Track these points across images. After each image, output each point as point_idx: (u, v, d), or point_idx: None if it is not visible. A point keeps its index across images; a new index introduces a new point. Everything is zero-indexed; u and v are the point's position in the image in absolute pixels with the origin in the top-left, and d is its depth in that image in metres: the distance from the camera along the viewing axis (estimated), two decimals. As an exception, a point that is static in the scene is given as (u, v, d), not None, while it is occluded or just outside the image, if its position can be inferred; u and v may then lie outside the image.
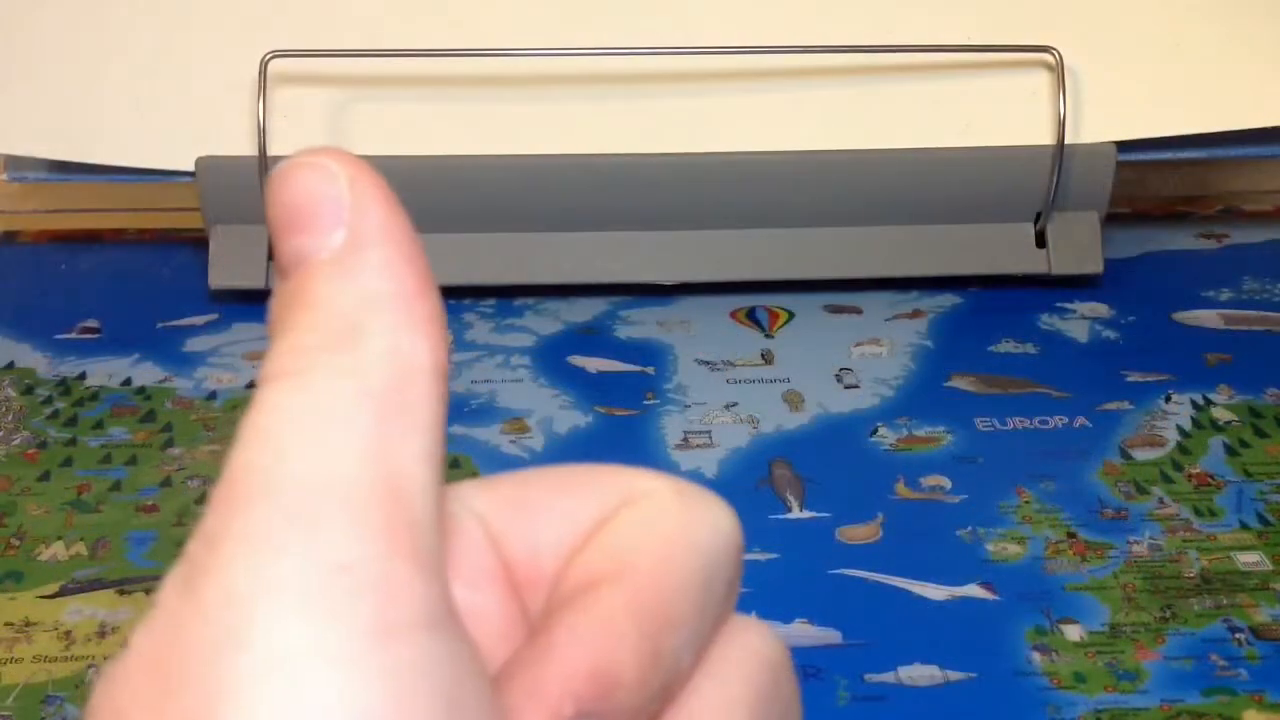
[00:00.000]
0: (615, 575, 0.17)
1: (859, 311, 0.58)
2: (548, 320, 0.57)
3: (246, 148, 0.55)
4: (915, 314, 0.58)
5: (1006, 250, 0.58)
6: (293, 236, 0.17)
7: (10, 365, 0.54)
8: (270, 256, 0.20)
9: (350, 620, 0.14)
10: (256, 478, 0.15)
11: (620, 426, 0.51)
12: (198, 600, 0.14)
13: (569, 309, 0.58)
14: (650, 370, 0.54)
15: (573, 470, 0.19)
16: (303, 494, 0.15)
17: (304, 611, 0.14)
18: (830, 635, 0.41)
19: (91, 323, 0.57)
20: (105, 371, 0.54)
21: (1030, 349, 0.55)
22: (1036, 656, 0.40)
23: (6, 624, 0.42)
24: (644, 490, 0.18)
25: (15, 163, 0.58)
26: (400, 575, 0.15)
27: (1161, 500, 0.47)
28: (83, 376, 0.54)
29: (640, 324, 0.57)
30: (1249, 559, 0.44)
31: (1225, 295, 0.59)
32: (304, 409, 0.16)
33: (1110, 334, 0.56)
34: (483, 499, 0.18)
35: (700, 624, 0.17)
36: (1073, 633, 0.41)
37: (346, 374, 0.16)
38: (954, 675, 0.40)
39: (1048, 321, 0.57)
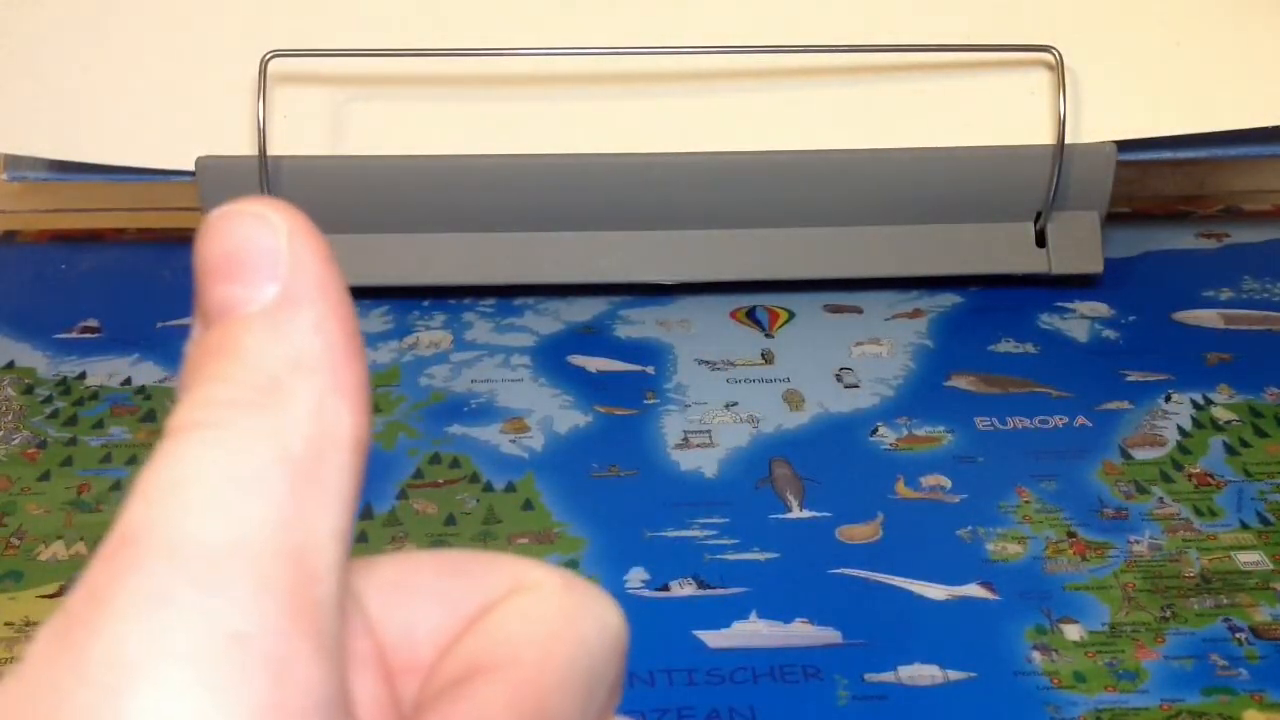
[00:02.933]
0: (494, 667, 0.16)
1: (859, 311, 0.58)
2: (548, 320, 0.57)
3: (246, 148, 0.55)
4: (915, 314, 0.58)
5: (1006, 250, 0.58)
6: (223, 284, 0.16)
7: (10, 365, 0.54)
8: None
9: (241, 695, 0.13)
10: (156, 533, 0.14)
11: (620, 426, 0.51)
12: (77, 658, 0.13)
13: (569, 309, 0.58)
14: (650, 370, 0.54)
15: (459, 555, 0.18)
16: (205, 556, 0.14)
17: (193, 681, 0.13)
18: (830, 635, 0.41)
19: (91, 322, 0.57)
20: (105, 371, 0.54)
21: (1030, 349, 0.55)
22: (1036, 656, 0.40)
23: (6, 624, 0.42)
24: (531, 581, 0.18)
25: (15, 163, 0.58)
26: (299, 655, 0.14)
27: (1161, 500, 0.47)
28: (83, 376, 0.54)
29: (640, 324, 0.57)
30: (1249, 559, 0.44)
31: (1225, 295, 0.59)
32: (216, 466, 0.14)
33: (1110, 334, 0.56)
34: (361, 580, 0.18)
35: None
36: (1073, 632, 0.41)
37: (266, 435, 0.15)
38: (954, 675, 0.40)
39: (1048, 321, 0.57)
